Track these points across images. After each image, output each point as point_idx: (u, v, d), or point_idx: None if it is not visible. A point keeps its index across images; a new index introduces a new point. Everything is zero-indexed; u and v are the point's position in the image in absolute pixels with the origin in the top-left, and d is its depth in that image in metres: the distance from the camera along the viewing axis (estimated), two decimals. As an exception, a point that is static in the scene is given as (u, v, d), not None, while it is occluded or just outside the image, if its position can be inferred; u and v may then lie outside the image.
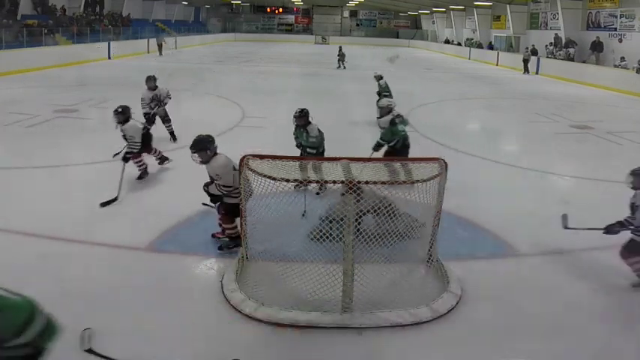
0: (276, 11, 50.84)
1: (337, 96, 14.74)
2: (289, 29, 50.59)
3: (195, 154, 4.46)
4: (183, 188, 6.22)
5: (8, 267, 4.27)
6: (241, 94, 13.78)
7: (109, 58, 22.72)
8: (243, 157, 3.98)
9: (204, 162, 4.49)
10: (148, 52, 26.60)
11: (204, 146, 4.46)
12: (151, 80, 8.20)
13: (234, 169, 4.33)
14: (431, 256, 4.22)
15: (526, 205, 6.09)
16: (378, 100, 10.29)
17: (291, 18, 51.29)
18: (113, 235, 4.80)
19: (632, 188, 4.33)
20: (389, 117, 6.53)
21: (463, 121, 12.20)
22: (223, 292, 3.93)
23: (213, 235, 4.85)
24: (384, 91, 10.88)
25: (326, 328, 3.58)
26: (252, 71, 20.18)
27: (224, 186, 4.44)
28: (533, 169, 7.70)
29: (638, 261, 4.20)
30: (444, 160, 4.05)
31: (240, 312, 3.71)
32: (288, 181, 3.82)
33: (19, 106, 11.04)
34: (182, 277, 4.25)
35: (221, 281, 4.07)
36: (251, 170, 3.89)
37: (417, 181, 3.74)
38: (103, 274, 4.22)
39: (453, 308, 3.83)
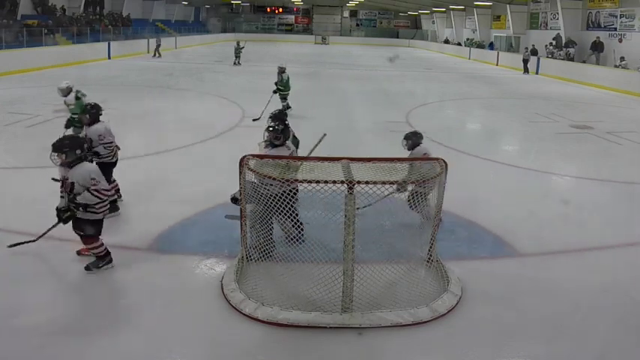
0: (276, 11, 50.84)
1: (337, 96, 14.74)
2: (289, 29, 50.58)
3: (56, 155, 4.05)
4: (184, 188, 6.23)
5: (8, 267, 4.27)
6: (241, 94, 13.77)
7: (109, 58, 22.72)
8: (243, 157, 3.98)
9: (66, 165, 4.07)
10: (148, 52, 26.59)
11: (73, 147, 4.04)
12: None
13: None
14: (431, 256, 4.22)
15: (526, 205, 6.09)
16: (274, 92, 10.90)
17: (291, 18, 51.28)
18: (113, 235, 4.79)
19: (409, 149, 5.01)
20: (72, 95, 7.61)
21: (463, 121, 12.21)
22: (223, 292, 3.93)
23: (78, 253, 4.45)
24: (282, 86, 10.98)
25: (326, 328, 3.58)
26: (252, 71, 20.17)
27: (103, 190, 4.05)
28: (533, 169, 7.70)
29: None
30: (444, 160, 4.05)
31: (240, 312, 3.71)
32: (288, 181, 3.82)
33: (19, 106, 11.04)
34: (182, 277, 4.25)
35: (221, 281, 4.07)
36: (251, 170, 3.89)
37: (417, 181, 3.74)
38: (103, 275, 4.21)
39: (453, 308, 3.83)
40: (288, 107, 11.03)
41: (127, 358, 3.27)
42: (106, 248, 4.28)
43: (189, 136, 8.41)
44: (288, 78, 11.04)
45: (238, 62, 22.10)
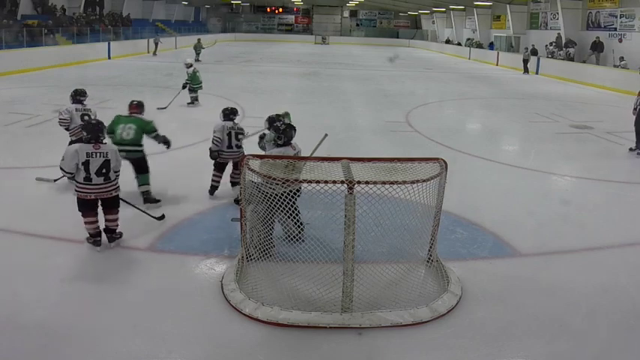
0: (276, 11, 50.83)
1: (337, 96, 14.74)
2: (289, 29, 50.58)
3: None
4: (184, 188, 6.23)
5: (9, 267, 4.27)
6: (241, 94, 13.79)
7: (109, 58, 22.72)
8: (244, 157, 3.99)
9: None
10: (148, 52, 26.60)
11: (83, 129, 4.64)
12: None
13: (83, 164, 4.35)
14: (431, 256, 4.22)
15: (526, 205, 6.10)
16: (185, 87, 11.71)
17: (291, 18, 51.28)
18: (113, 235, 4.79)
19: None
20: None
21: (463, 121, 12.20)
22: (223, 292, 3.93)
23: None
24: (189, 80, 11.83)
25: (326, 328, 3.58)
26: (252, 71, 20.17)
27: (62, 169, 4.46)
28: (533, 169, 7.71)
29: None
30: (444, 160, 4.05)
31: (240, 312, 3.71)
32: (288, 181, 3.82)
33: (19, 106, 11.04)
34: (182, 277, 4.25)
35: (221, 281, 4.08)
36: (251, 170, 3.89)
37: (417, 181, 3.74)
38: (103, 275, 4.22)
39: (453, 308, 3.83)
40: (195, 101, 11.97)
41: (127, 358, 3.27)
42: (92, 230, 4.47)
43: (189, 136, 8.41)
44: (193, 72, 11.89)
45: (198, 59, 22.73)
